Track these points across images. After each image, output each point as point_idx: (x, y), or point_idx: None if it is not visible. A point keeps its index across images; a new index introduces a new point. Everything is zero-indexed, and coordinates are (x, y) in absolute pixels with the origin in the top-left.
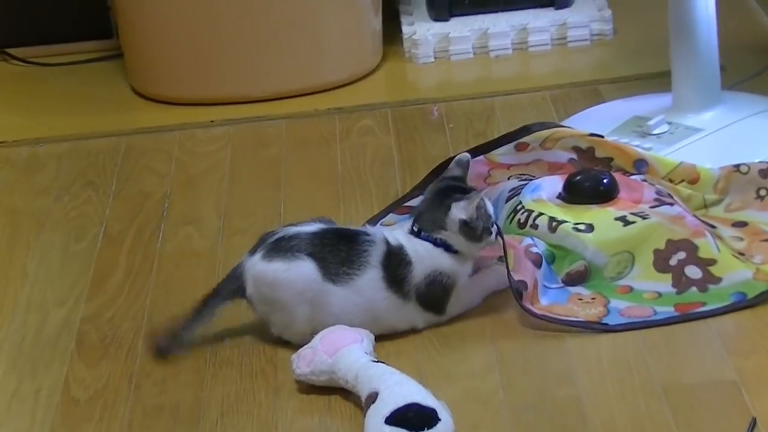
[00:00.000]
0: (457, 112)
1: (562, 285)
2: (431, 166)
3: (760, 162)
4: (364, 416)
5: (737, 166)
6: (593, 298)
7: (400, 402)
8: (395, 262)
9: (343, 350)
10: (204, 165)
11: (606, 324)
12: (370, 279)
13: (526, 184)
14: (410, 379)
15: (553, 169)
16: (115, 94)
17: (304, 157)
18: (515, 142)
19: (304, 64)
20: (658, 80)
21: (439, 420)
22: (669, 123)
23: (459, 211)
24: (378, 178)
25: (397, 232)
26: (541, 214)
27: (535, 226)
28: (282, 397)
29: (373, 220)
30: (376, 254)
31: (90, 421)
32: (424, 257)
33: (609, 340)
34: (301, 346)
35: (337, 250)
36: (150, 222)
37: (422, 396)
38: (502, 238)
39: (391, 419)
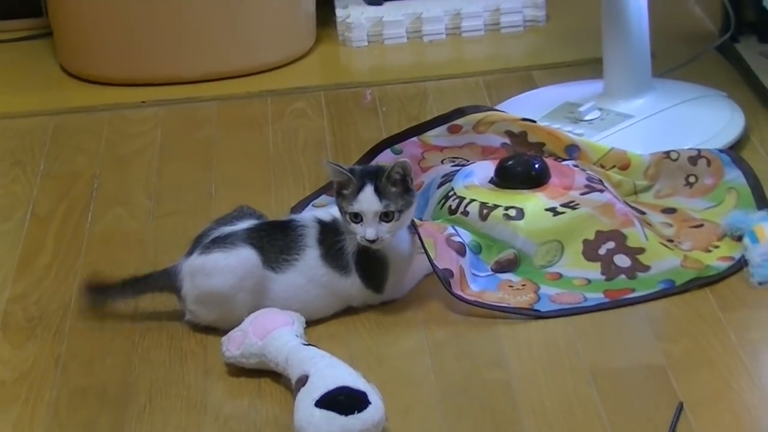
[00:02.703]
0: (391, 96)
1: (491, 273)
2: (364, 149)
3: (689, 149)
4: (294, 399)
5: (667, 153)
6: (523, 285)
7: (331, 385)
8: (330, 235)
9: (273, 333)
10: (134, 146)
11: (537, 310)
12: (309, 259)
13: (458, 170)
14: (341, 362)
15: (486, 153)
16: (44, 73)
17: (236, 139)
18: (448, 125)
19: (237, 46)
20: (590, 67)
21: (370, 403)
22: (600, 109)
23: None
24: (310, 161)
25: (330, 208)
26: (472, 200)
27: (465, 213)
28: (212, 379)
29: (306, 201)
30: (311, 235)
31: (16, 402)
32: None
33: (540, 325)
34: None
35: (274, 240)
36: (79, 202)
37: (353, 379)
38: (416, 229)
39: (321, 402)
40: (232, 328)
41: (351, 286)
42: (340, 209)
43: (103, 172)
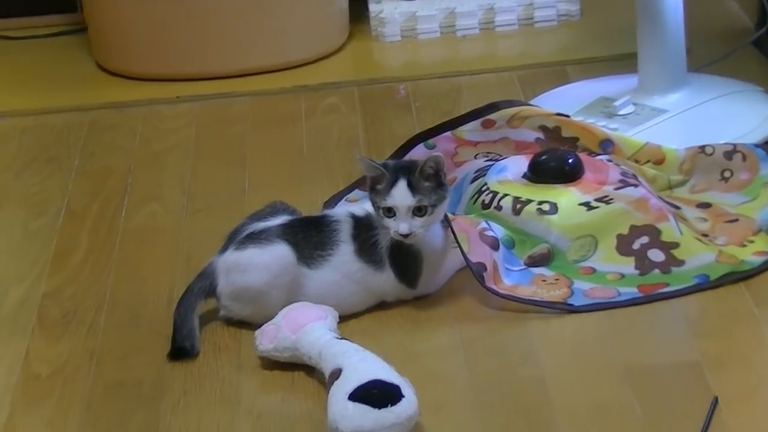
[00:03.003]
0: (424, 92)
1: (524, 267)
2: (397, 144)
3: (725, 144)
4: (328, 393)
5: (702, 148)
6: (557, 279)
7: (364, 379)
8: (364, 230)
9: (306, 327)
10: (168, 141)
11: (571, 305)
12: (344, 254)
13: (492, 165)
14: (374, 356)
15: (520, 147)
16: (79, 69)
17: (270, 135)
18: (482, 119)
19: (271, 42)
20: (625, 62)
21: (403, 397)
22: (635, 104)
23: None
24: (343, 157)
25: (363, 203)
26: (505, 195)
27: (499, 208)
28: (245, 373)
29: (339, 196)
30: (345, 230)
31: (50, 398)
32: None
33: (573, 321)
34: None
35: (308, 236)
36: (113, 198)
37: (386, 373)
38: (450, 224)
39: (355, 396)
40: (266, 323)
41: (385, 281)
42: (374, 204)
43: (137, 168)
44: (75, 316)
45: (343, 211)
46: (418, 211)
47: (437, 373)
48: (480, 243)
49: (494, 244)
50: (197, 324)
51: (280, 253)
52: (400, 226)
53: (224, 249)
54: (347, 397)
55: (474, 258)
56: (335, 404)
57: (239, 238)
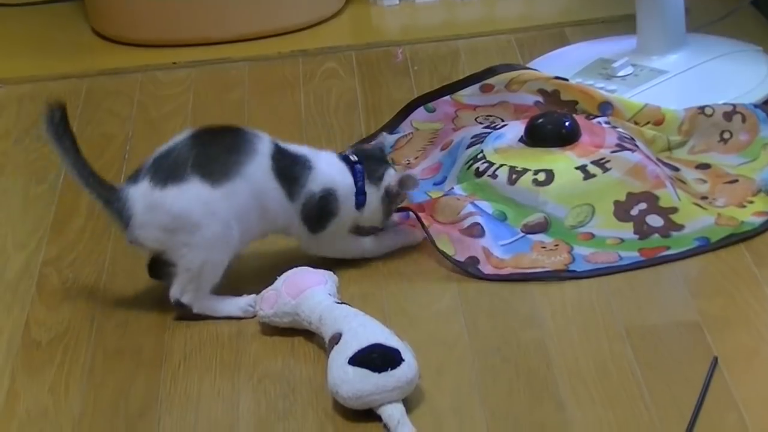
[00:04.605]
0: (422, 56)
1: (522, 235)
2: (396, 109)
3: (724, 104)
4: (328, 358)
5: (702, 109)
6: (556, 245)
7: (364, 343)
8: (287, 158)
9: (306, 292)
10: (166, 108)
11: (573, 271)
12: (258, 165)
13: (490, 133)
14: (374, 320)
15: (518, 111)
16: (75, 35)
17: (268, 100)
18: (480, 84)
19: (268, 6)
20: (623, 23)
21: (403, 360)
22: (634, 65)
23: (393, 179)
24: (342, 122)
25: (304, 147)
26: (502, 165)
27: (494, 176)
28: (245, 339)
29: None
30: (264, 145)
31: (51, 364)
32: (333, 174)
33: (573, 283)
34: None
35: (221, 140)
36: (112, 165)
37: (385, 337)
38: (417, 215)
39: (355, 360)
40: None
41: (293, 214)
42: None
43: (136, 134)
44: (75, 284)
45: (266, 135)
46: None
47: (438, 336)
48: (463, 239)
49: (478, 232)
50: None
51: (197, 191)
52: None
53: (135, 179)
54: (347, 361)
55: (463, 255)
56: (335, 369)
57: (148, 167)
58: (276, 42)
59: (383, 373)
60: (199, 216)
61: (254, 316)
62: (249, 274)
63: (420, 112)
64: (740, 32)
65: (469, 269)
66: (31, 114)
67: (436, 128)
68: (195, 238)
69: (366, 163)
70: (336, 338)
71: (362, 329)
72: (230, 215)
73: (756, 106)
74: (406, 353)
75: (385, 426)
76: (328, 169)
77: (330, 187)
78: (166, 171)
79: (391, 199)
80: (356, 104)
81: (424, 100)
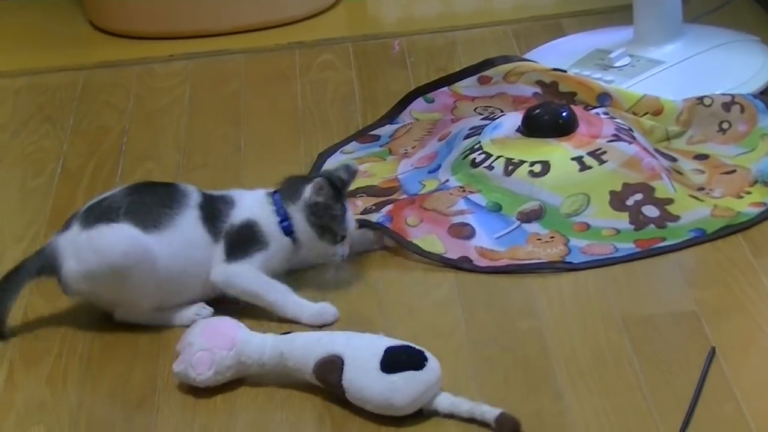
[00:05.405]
0: (419, 47)
1: (518, 224)
2: (393, 101)
3: (723, 95)
4: (324, 384)
5: (701, 99)
6: (552, 237)
7: (379, 351)
8: (213, 202)
9: (238, 337)
10: (163, 100)
11: (570, 262)
12: (189, 217)
13: (487, 124)
14: (351, 332)
15: (517, 102)
16: (72, 28)
17: (264, 92)
18: (478, 75)
19: None
20: (620, 13)
21: (423, 352)
22: (631, 56)
23: (308, 190)
24: (339, 113)
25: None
26: (498, 156)
27: (491, 167)
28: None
29: (334, 148)
30: (193, 197)
31: (49, 356)
32: (253, 207)
33: (570, 273)
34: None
35: (156, 194)
36: (109, 157)
37: (385, 340)
38: (383, 228)
39: (389, 368)
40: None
41: (214, 254)
42: (329, 231)
43: (133, 126)
44: None
45: (190, 186)
46: None
47: (435, 327)
48: (452, 239)
49: (467, 233)
50: (11, 306)
51: (124, 232)
52: (345, 249)
53: (66, 227)
54: (383, 371)
55: (454, 254)
56: (375, 384)
57: (80, 212)
58: (273, 34)
59: (424, 369)
60: (127, 256)
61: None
62: None
63: (419, 103)
64: (737, 22)
65: (464, 266)
66: (27, 107)
67: (435, 118)
68: (124, 285)
69: (288, 186)
70: (335, 361)
71: (358, 341)
72: (158, 264)
73: (755, 96)
74: (416, 347)
75: (470, 415)
76: (249, 204)
77: (250, 219)
78: (97, 214)
79: (314, 212)
80: (353, 96)
81: (422, 91)
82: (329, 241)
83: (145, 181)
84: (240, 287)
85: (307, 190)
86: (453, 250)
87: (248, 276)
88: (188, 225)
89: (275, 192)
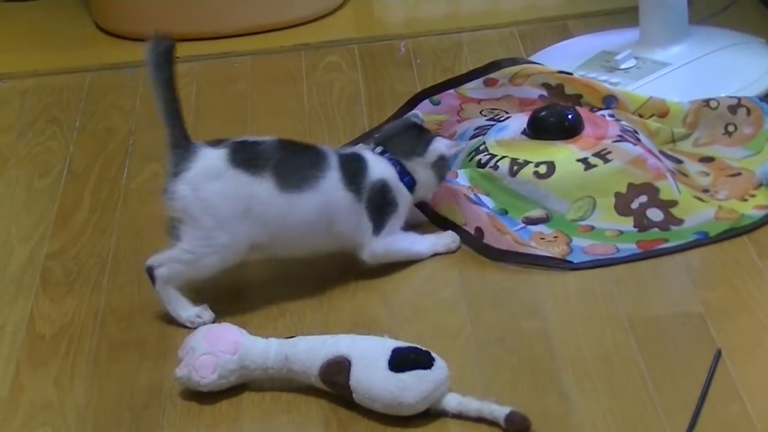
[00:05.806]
0: (425, 48)
1: (523, 225)
2: (399, 102)
3: (729, 97)
4: (348, 381)
5: (707, 101)
6: (555, 237)
7: (386, 351)
8: (351, 162)
9: (241, 342)
10: None
11: (570, 262)
12: (332, 179)
13: (493, 125)
14: (356, 335)
15: (523, 105)
16: (78, 29)
17: (271, 94)
18: (484, 78)
19: (271, 0)
20: (626, 15)
21: (430, 352)
22: (636, 58)
23: (441, 145)
24: (345, 114)
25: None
26: (503, 157)
27: (495, 167)
28: (249, 331)
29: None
30: (332, 159)
31: (56, 357)
32: (380, 165)
33: (576, 274)
34: None
35: (302, 154)
36: (115, 159)
37: (391, 341)
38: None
39: (398, 367)
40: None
41: (361, 216)
42: (443, 177)
43: (139, 128)
44: (79, 276)
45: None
46: None
47: (441, 327)
48: (470, 205)
49: (481, 202)
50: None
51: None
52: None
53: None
54: (392, 370)
55: (471, 226)
56: (384, 383)
57: (230, 146)
58: (279, 36)
59: (433, 368)
60: (236, 213)
61: (196, 327)
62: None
63: (425, 105)
64: (743, 24)
65: (475, 244)
66: (34, 108)
67: (441, 120)
68: (215, 232)
69: (396, 143)
70: (342, 362)
71: (363, 343)
72: (269, 227)
73: (761, 99)
74: (421, 347)
75: (479, 414)
76: (375, 162)
77: (381, 178)
78: (246, 157)
79: (443, 165)
80: (359, 97)
81: (428, 93)
82: (440, 184)
83: (295, 141)
84: (393, 258)
85: (439, 144)
86: (470, 219)
87: (395, 246)
88: (331, 186)
89: (381, 153)
